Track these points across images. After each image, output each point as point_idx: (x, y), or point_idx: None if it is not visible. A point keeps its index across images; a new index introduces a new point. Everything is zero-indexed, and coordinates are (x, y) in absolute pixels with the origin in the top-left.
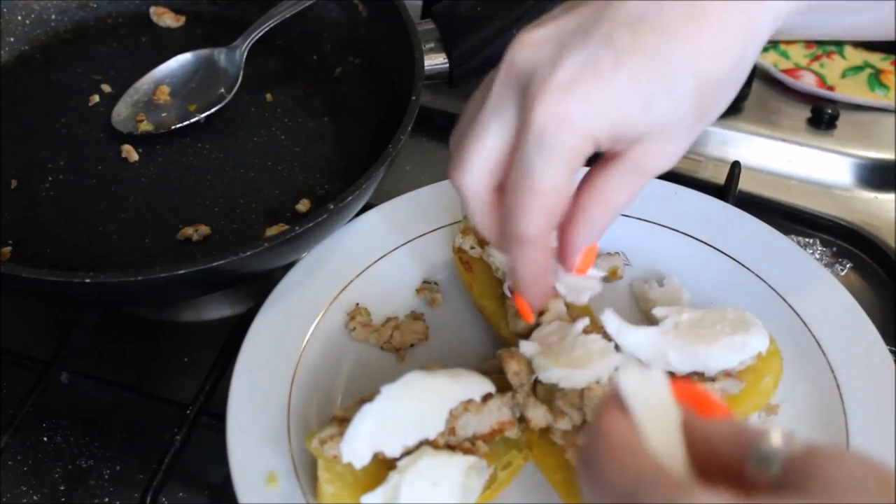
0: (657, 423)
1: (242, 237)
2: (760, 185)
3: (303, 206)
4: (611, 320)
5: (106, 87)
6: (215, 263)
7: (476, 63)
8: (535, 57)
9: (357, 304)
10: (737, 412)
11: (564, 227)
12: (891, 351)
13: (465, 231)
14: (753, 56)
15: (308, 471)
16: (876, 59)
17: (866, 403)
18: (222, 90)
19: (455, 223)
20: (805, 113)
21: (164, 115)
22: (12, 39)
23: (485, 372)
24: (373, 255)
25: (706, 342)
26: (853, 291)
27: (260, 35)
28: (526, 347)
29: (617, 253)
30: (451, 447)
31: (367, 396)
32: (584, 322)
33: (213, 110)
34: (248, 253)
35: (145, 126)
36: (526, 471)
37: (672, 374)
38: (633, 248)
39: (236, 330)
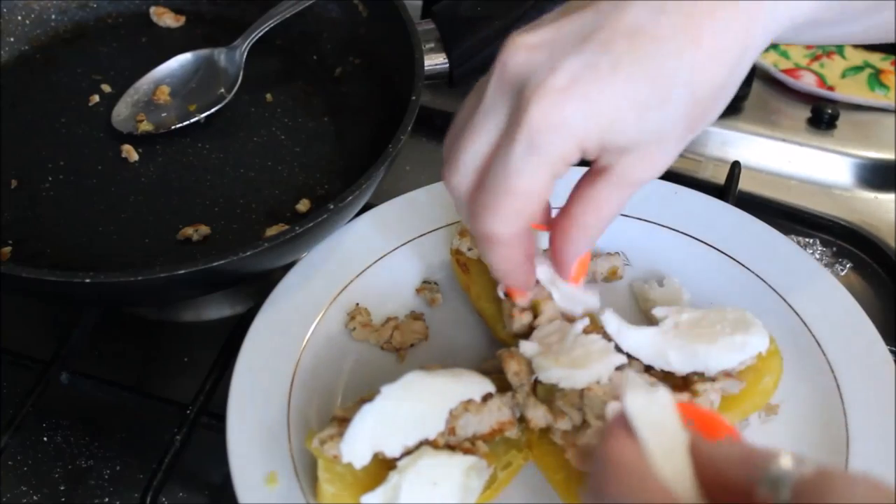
0: (664, 446)
1: (242, 237)
2: (760, 185)
3: (303, 206)
4: (611, 320)
5: (106, 87)
6: (215, 263)
7: (476, 63)
8: (532, 60)
9: (357, 303)
10: (737, 412)
11: (557, 239)
12: (891, 351)
13: (463, 233)
14: (745, 69)
15: (308, 471)
16: (876, 59)
17: (866, 403)
18: (222, 90)
19: (455, 223)
20: (805, 113)
21: (164, 115)
22: (12, 39)
23: (485, 372)
24: (373, 255)
25: (706, 342)
26: (853, 291)
27: (260, 35)
28: (526, 347)
29: (617, 253)
30: (451, 447)
31: (367, 396)
32: (584, 322)
33: (213, 110)
34: (248, 253)
35: (145, 126)
36: (526, 471)
37: (674, 384)
38: (633, 248)
39: (236, 330)
